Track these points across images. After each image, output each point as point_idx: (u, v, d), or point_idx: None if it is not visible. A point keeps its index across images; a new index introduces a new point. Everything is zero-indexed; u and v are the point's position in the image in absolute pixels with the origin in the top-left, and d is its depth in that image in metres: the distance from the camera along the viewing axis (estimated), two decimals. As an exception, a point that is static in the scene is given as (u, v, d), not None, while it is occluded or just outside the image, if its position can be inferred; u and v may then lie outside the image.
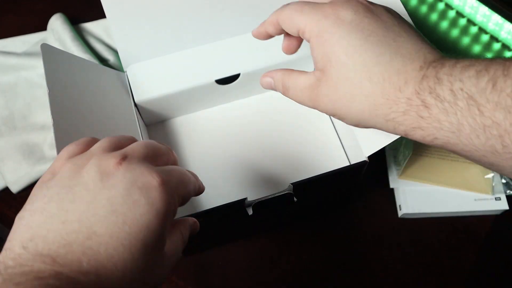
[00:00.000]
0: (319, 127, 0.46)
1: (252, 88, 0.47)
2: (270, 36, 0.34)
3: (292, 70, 0.33)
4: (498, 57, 0.25)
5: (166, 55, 0.44)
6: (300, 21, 0.30)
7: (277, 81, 0.33)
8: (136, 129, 0.40)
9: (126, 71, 0.43)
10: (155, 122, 0.46)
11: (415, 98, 0.26)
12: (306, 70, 0.32)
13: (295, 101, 0.32)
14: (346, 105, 0.29)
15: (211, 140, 0.46)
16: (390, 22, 0.29)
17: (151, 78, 0.43)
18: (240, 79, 0.44)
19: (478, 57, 0.25)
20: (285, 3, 0.32)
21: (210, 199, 0.41)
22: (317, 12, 0.29)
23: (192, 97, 0.44)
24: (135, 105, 0.42)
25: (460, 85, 0.25)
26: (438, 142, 0.26)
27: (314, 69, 0.30)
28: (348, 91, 0.28)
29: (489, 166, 0.26)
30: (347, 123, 0.30)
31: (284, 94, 0.33)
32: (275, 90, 0.34)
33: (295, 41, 0.35)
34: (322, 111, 0.31)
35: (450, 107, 0.25)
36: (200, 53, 0.44)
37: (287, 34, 0.34)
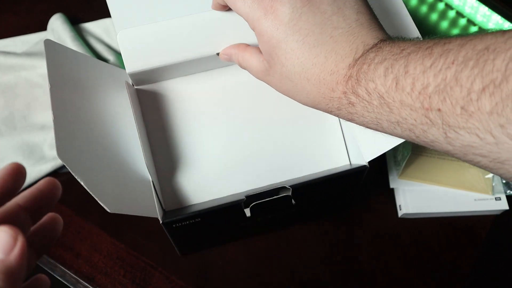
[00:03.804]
0: (323, 121, 0.44)
1: None
2: (225, 7, 0.36)
3: (246, 47, 0.35)
4: (410, 46, 0.26)
5: (162, 21, 0.39)
6: (243, 11, 0.31)
7: (234, 59, 0.36)
8: (136, 129, 0.40)
9: (117, 37, 0.39)
10: (147, 83, 0.43)
11: (343, 97, 0.29)
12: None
13: None
14: (293, 96, 0.32)
15: (208, 122, 0.43)
16: (329, 11, 0.29)
17: (144, 45, 0.38)
18: None
19: (404, 41, 0.27)
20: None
21: (204, 186, 0.41)
22: (259, 7, 0.30)
23: (189, 67, 0.41)
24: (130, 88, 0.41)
25: (373, 85, 0.27)
26: (370, 129, 0.30)
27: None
28: (291, 87, 0.31)
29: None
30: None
31: (242, 68, 0.36)
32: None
33: None
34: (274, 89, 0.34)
35: (368, 105, 0.27)
36: (201, 21, 0.39)
37: None
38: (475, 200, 0.49)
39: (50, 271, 0.48)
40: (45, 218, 0.27)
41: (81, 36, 0.59)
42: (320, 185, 0.40)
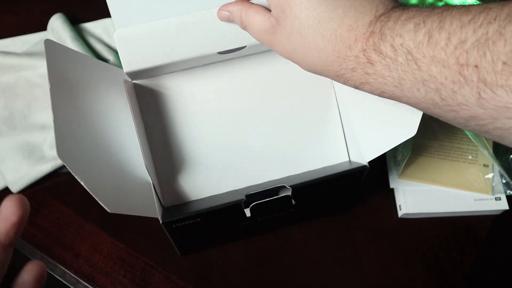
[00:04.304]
0: (324, 115, 0.44)
1: (257, 61, 0.43)
2: None
3: (250, 4, 0.33)
4: (439, 6, 0.25)
5: (159, 20, 0.38)
6: None
7: (235, 16, 0.34)
8: (135, 128, 0.40)
9: (114, 36, 0.38)
10: (145, 78, 0.43)
11: (362, 56, 0.27)
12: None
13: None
14: (300, 57, 0.30)
15: (207, 118, 0.43)
16: None
17: (142, 44, 0.38)
18: (245, 51, 0.40)
19: (427, 6, 0.26)
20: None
21: (203, 183, 0.41)
22: None
23: (187, 64, 0.41)
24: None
25: (400, 40, 0.25)
26: (385, 95, 0.27)
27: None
28: (301, 44, 0.29)
29: (437, 117, 0.26)
30: (302, 69, 0.31)
31: (242, 29, 0.34)
32: (234, 23, 0.34)
33: None
34: (279, 54, 0.32)
35: (391, 63, 0.25)
36: (199, 19, 0.38)
37: None
38: (475, 200, 0.49)
39: (50, 271, 0.48)
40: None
41: (81, 36, 0.59)
42: (320, 185, 0.40)
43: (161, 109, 0.42)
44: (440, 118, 0.26)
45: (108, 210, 0.30)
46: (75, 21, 0.60)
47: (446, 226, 0.50)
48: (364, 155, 0.39)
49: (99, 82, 0.39)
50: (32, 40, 0.60)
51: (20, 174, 0.51)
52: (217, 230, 0.44)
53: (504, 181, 0.49)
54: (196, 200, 0.42)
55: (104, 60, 0.57)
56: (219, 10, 0.35)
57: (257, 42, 0.39)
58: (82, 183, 0.30)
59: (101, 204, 0.30)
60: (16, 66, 0.57)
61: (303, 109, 0.43)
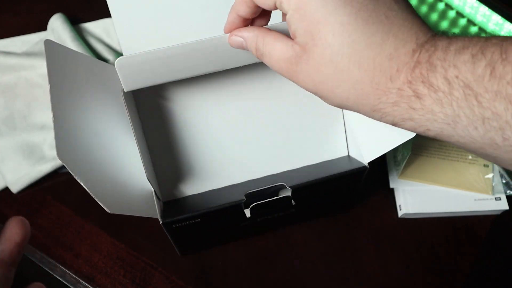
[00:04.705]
0: (325, 111, 0.44)
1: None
2: (245, 22, 0.30)
3: (267, 30, 0.29)
4: (494, 36, 0.23)
5: (161, 47, 0.37)
6: None
7: (249, 43, 0.29)
8: (132, 129, 0.40)
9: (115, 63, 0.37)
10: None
11: (406, 88, 0.24)
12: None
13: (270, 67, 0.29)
14: (329, 89, 0.26)
15: (206, 112, 0.43)
16: None
17: (142, 68, 0.36)
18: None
19: (471, 35, 0.24)
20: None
21: (202, 177, 0.41)
22: None
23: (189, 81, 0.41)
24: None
25: (455, 72, 0.22)
26: (431, 133, 0.25)
27: (292, 38, 0.27)
28: (332, 75, 0.25)
29: (485, 157, 0.24)
30: (328, 103, 0.28)
31: (258, 57, 0.30)
32: (247, 50, 0.30)
33: (264, 21, 0.31)
34: (301, 87, 0.28)
35: (444, 97, 0.23)
36: (202, 45, 0.37)
37: (258, 17, 0.31)
38: (475, 200, 0.49)
39: (50, 271, 0.48)
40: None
41: (81, 36, 0.59)
42: (320, 186, 0.40)
43: (159, 106, 0.42)
44: (488, 158, 0.24)
45: (108, 211, 0.30)
46: (75, 21, 0.60)
47: (446, 226, 0.50)
48: (364, 156, 0.39)
49: (99, 82, 0.39)
50: (32, 40, 0.60)
51: (20, 174, 0.51)
52: (217, 230, 0.44)
53: (504, 181, 0.49)
54: (195, 195, 0.42)
55: (104, 60, 0.57)
56: (231, 35, 0.30)
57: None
58: (82, 184, 0.30)
59: (100, 204, 0.30)
60: (16, 66, 0.57)
61: (303, 104, 0.43)
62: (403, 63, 0.24)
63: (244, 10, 0.29)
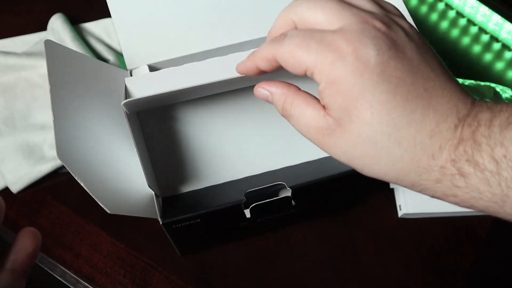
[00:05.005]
0: None
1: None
2: (262, 72, 0.28)
3: (297, 90, 0.27)
4: None
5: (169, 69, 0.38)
6: (308, 61, 0.24)
7: (276, 100, 0.28)
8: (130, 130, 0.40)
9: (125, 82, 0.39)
10: None
11: (450, 167, 0.23)
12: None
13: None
14: (365, 164, 0.25)
15: (204, 108, 0.42)
16: (416, 58, 0.24)
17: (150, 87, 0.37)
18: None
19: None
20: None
21: (200, 172, 0.41)
22: (329, 49, 0.24)
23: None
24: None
25: (502, 151, 0.21)
26: (475, 208, 0.24)
27: (325, 107, 0.25)
28: (370, 152, 0.24)
29: None
30: (363, 173, 0.27)
31: (282, 116, 0.28)
32: (272, 104, 0.29)
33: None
34: (331, 156, 0.26)
35: (492, 176, 0.22)
36: (209, 67, 0.38)
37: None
38: (475, 200, 0.49)
39: (50, 271, 0.48)
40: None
41: (81, 36, 0.59)
42: (320, 186, 0.40)
43: (157, 105, 0.42)
44: None
45: (108, 211, 0.30)
46: (75, 21, 0.60)
47: (446, 226, 0.50)
48: None
49: (99, 83, 0.39)
50: (32, 40, 0.60)
51: (20, 174, 0.51)
52: (217, 230, 0.44)
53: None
54: (194, 191, 0.42)
55: (104, 60, 0.57)
56: (257, 86, 0.28)
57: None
58: (81, 184, 0.30)
59: (100, 205, 0.30)
60: (16, 66, 0.57)
61: None
62: (445, 140, 0.23)
63: (266, 66, 0.27)
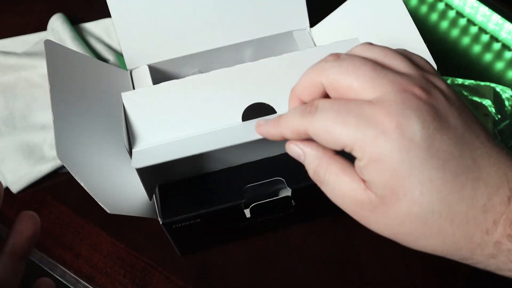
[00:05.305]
0: None
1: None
2: (284, 139, 0.27)
3: (333, 155, 0.25)
4: None
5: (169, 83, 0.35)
6: (347, 138, 0.23)
7: (309, 161, 0.26)
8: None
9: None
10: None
11: (506, 242, 0.22)
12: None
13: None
14: (413, 240, 0.24)
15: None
16: (459, 125, 0.23)
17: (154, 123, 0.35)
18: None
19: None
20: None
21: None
22: (370, 125, 0.22)
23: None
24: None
25: None
26: None
27: (364, 180, 0.24)
28: (419, 229, 0.23)
29: None
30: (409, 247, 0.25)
31: (313, 180, 0.26)
32: (302, 163, 0.27)
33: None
34: (371, 229, 0.25)
35: None
36: (215, 79, 0.36)
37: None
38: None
39: (50, 271, 0.48)
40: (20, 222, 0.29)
41: (81, 36, 0.59)
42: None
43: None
44: None
45: (108, 211, 0.30)
46: (75, 21, 0.60)
47: (446, 226, 0.50)
48: None
49: (99, 82, 0.39)
50: (32, 40, 0.60)
51: (20, 174, 0.51)
52: (217, 230, 0.44)
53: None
54: (189, 179, 0.40)
55: (104, 60, 0.57)
56: (290, 142, 0.26)
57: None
58: (81, 184, 0.30)
59: (100, 205, 0.30)
60: (16, 66, 0.57)
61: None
62: (499, 214, 0.22)
63: (293, 137, 0.26)
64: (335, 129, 0.23)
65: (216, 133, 0.33)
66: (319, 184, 0.26)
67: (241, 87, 0.35)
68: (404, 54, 0.25)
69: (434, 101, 0.23)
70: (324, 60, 0.25)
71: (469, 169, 0.22)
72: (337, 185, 0.25)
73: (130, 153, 0.33)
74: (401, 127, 0.22)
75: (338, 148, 0.24)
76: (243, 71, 0.35)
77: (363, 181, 0.24)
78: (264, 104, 0.34)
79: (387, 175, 0.22)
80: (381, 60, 0.24)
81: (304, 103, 0.26)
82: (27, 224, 0.27)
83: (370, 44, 0.25)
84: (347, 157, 0.25)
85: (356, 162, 0.23)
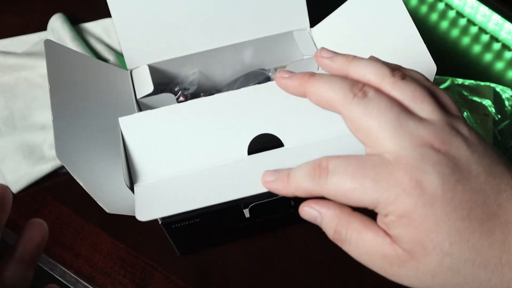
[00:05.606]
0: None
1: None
2: (296, 196, 0.27)
3: (351, 211, 0.25)
4: None
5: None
6: (368, 201, 0.23)
7: (327, 222, 0.25)
8: None
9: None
10: None
11: None
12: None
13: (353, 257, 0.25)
14: None
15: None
16: (482, 172, 0.23)
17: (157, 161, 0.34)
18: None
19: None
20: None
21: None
22: (389, 185, 0.22)
23: None
24: (137, 102, 0.42)
25: None
26: None
27: (390, 235, 0.24)
28: (453, 280, 0.23)
29: None
30: None
31: (333, 240, 0.26)
32: (320, 226, 0.26)
33: None
34: (400, 284, 0.25)
35: None
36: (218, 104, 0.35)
37: None
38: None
39: (50, 271, 0.48)
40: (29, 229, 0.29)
41: (81, 36, 0.59)
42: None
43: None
44: None
45: (107, 211, 0.30)
46: (75, 21, 0.60)
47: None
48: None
49: (99, 82, 0.39)
50: (32, 40, 0.60)
51: (20, 174, 0.51)
52: (216, 230, 0.44)
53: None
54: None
55: (104, 60, 0.57)
56: (304, 205, 0.26)
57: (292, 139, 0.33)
58: (81, 184, 0.30)
59: (100, 205, 0.30)
60: (16, 66, 0.57)
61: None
62: None
63: (304, 196, 0.25)
64: (354, 193, 0.23)
65: (221, 168, 0.32)
66: (340, 244, 0.25)
67: (246, 114, 0.34)
68: (432, 93, 0.25)
69: (455, 151, 0.23)
70: (352, 91, 0.24)
71: (495, 215, 0.22)
72: (361, 241, 0.24)
73: (131, 187, 0.32)
74: (420, 184, 0.22)
75: (364, 205, 0.23)
76: (247, 95, 0.34)
77: (389, 235, 0.23)
78: (270, 135, 0.34)
79: (413, 231, 0.22)
80: (407, 103, 0.24)
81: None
82: (35, 231, 0.28)
83: (403, 77, 0.24)
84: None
85: (380, 217, 0.23)
